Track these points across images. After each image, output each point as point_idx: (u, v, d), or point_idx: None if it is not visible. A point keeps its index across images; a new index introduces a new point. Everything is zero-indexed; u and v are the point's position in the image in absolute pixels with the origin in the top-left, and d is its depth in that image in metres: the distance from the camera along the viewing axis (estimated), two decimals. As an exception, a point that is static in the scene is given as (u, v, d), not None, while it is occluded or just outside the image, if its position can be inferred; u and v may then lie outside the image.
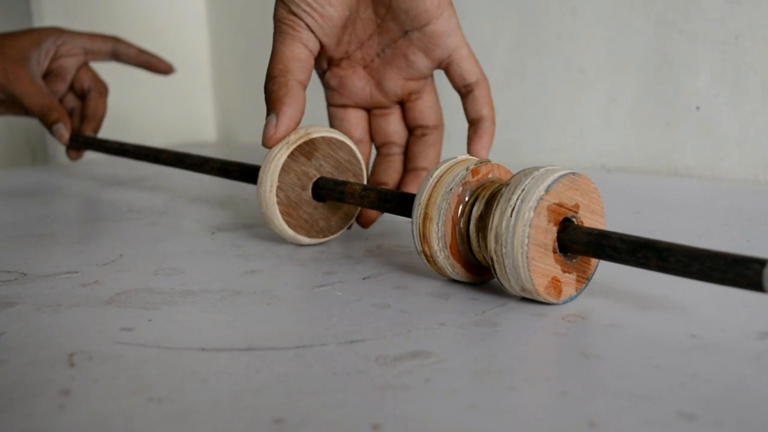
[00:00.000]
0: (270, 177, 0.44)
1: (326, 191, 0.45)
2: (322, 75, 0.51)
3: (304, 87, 0.45)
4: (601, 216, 0.36)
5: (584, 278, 0.36)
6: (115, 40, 0.76)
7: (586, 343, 0.32)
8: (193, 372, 0.29)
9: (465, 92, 0.48)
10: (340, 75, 0.50)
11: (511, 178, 0.35)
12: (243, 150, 1.05)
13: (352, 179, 0.47)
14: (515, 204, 0.33)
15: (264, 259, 0.45)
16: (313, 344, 0.32)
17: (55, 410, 0.27)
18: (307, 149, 0.45)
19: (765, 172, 0.65)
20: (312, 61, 0.46)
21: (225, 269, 0.44)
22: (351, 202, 0.45)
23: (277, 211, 0.45)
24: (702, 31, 0.66)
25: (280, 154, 0.44)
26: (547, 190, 0.33)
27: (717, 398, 0.26)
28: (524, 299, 0.36)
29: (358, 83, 0.50)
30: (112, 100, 0.79)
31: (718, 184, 0.65)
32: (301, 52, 0.45)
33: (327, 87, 0.51)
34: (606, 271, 0.38)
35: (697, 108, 0.68)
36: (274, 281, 0.41)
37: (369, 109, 0.52)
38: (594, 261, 0.36)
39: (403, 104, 0.51)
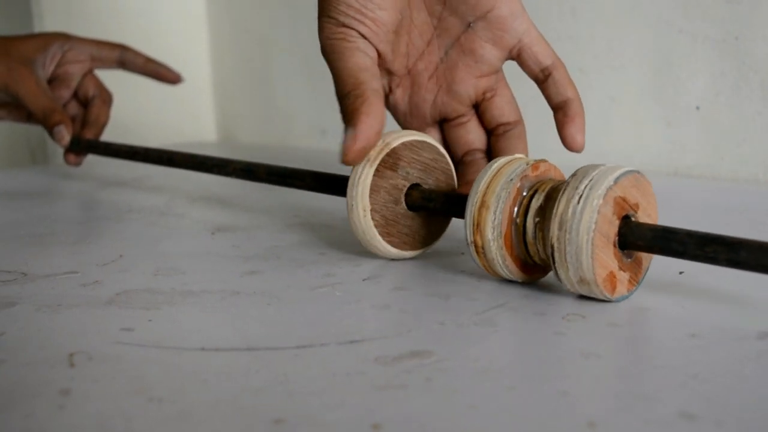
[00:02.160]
0: (361, 201, 0.41)
1: (418, 202, 0.43)
2: (385, 99, 0.47)
3: (381, 97, 0.41)
4: (655, 221, 0.36)
5: (636, 280, 0.36)
6: (122, 48, 0.76)
7: (586, 343, 0.32)
8: (193, 372, 0.29)
9: (543, 77, 0.45)
10: (407, 95, 0.47)
11: (576, 171, 0.35)
12: (243, 150, 1.06)
13: (441, 177, 0.44)
14: (583, 191, 0.33)
15: (264, 259, 0.45)
16: (313, 344, 0.32)
17: (55, 410, 0.27)
18: (390, 162, 0.42)
19: (765, 172, 0.65)
20: (377, 68, 0.43)
21: (225, 270, 0.44)
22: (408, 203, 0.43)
23: (377, 235, 0.42)
24: (702, 31, 0.66)
25: (365, 174, 0.41)
26: (615, 182, 0.34)
27: (717, 398, 0.26)
28: (525, 298, 0.36)
29: (428, 97, 0.47)
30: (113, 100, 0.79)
31: (718, 184, 0.65)
32: (365, 61, 0.42)
33: (395, 112, 0.48)
34: (606, 271, 0.38)
35: (697, 108, 0.68)
36: (274, 282, 0.41)
37: (442, 121, 0.48)
38: (645, 265, 0.36)
39: (477, 107, 0.47)
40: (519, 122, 0.48)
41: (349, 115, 0.41)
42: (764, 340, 0.31)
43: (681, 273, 0.39)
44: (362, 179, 0.41)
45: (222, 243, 0.50)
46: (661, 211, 0.38)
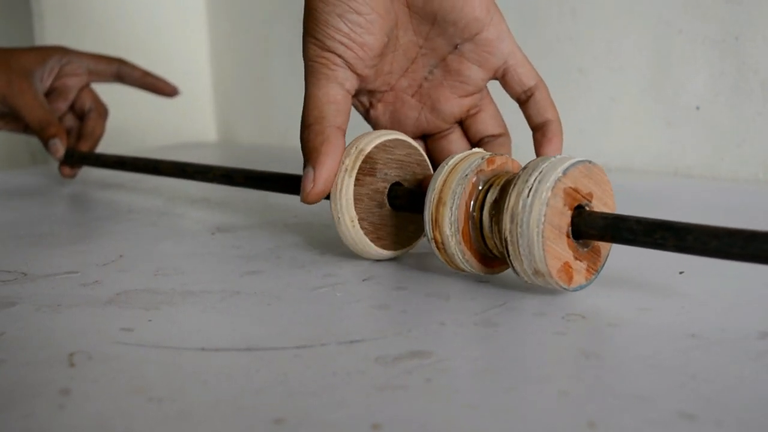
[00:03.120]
0: (347, 212, 0.41)
1: (400, 201, 0.43)
2: (366, 114, 0.48)
3: (343, 132, 0.42)
4: (612, 209, 0.37)
5: (594, 269, 0.36)
6: (120, 62, 0.77)
7: (586, 343, 0.32)
8: (193, 372, 0.29)
9: (525, 98, 0.45)
10: (389, 111, 0.47)
11: (527, 164, 0.35)
12: (243, 150, 1.06)
13: (417, 169, 0.44)
14: (532, 185, 0.34)
15: (264, 259, 0.45)
16: (313, 344, 0.32)
17: (55, 410, 0.27)
18: (367, 168, 0.42)
19: (765, 172, 0.65)
20: (349, 102, 0.43)
21: (225, 270, 0.44)
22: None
23: (369, 242, 0.42)
24: (702, 31, 0.66)
25: (346, 185, 0.41)
26: (564, 173, 0.34)
27: (717, 398, 0.26)
28: (525, 297, 0.36)
29: (411, 114, 0.47)
30: (112, 101, 0.79)
31: (718, 184, 0.65)
32: (336, 94, 0.42)
33: (376, 126, 0.48)
34: (606, 271, 0.38)
35: (697, 108, 0.68)
36: (274, 282, 0.41)
37: (425, 135, 0.48)
38: (604, 253, 0.37)
39: (462, 122, 0.48)
40: (504, 135, 0.48)
41: (309, 152, 0.42)
42: (764, 340, 0.31)
43: (681, 273, 0.39)
44: (344, 191, 0.41)
45: (222, 243, 0.50)
46: (661, 211, 0.38)
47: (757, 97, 0.64)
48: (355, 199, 0.42)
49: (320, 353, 0.31)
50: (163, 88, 0.79)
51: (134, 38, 1.05)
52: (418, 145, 0.45)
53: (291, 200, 0.62)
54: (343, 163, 0.42)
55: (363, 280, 0.41)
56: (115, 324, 0.35)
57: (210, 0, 1.15)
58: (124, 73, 0.77)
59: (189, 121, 1.15)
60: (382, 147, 0.43)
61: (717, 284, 0.38)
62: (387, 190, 0.43)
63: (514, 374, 0.29)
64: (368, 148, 0.42)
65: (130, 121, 1.02)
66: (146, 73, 0.78)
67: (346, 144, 0.43)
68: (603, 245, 0.37)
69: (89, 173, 0.82)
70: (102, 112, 0.76)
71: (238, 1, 1.11)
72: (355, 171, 0.42)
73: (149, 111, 1.05)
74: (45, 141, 0.70)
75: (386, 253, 0.43)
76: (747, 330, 0.32)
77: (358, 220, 0.42)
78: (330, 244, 0.48)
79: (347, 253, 0.46)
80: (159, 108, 1.05)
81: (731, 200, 0.59)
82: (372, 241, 0.42)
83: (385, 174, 0.43)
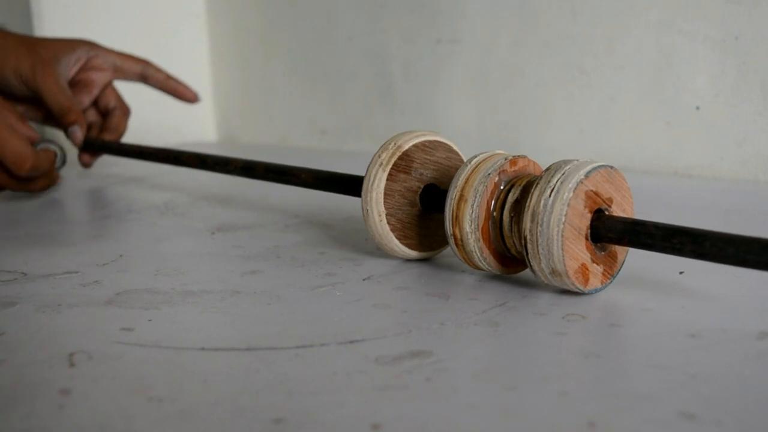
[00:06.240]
0: (376, 206, 0.41)
1: (431, 202, 0.43)
2: None
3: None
4: (630, 215, 0.37)
5: (610, 274, 0.36)
6: (145, 63, 0.78)
7: (586, 343, 0.32)
8: (193, 372, 0.29)
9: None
10: None
11: (549, 166, 0.36)
12: (243, 150, 1.05)
13: (454, 174, 0.43)
14: (555, 185, 0.34)
15: (264, 259, 0.45)
16: (313, 344, 0.32)
17: (55, 410, 0.27)
18: (403, 165, 0.42)
19: (765, 172, 0.65)
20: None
21: (225, 269, 0.44)
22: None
23: (394, 239, 0.42)
24: (702, 31, 0.66)
25: (379, 179, 0.41)
26: (586, 176, 0.34)
27: (717, 398, 0.26)
28: (526, 297, 0.36)
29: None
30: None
31: (718, 184, 0.65)
32: None
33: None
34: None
35: (697, 108, 0.68)
36: (274, 282, 0.41)
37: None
38: (620, 259, 0.37)
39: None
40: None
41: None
42: (764, 340, 0.31)
43: (681, 273, 0.39)
44: (376, 184, 0.41)
45: (222, 243, 0.50)
46: (661, 212, 0.38)
47: (757, 97, 0.64)
48: (387, 195, 0.42)
49: (320, 353, 0.31)
50: (184, 93, 0.80)
51: (135, 39, 1.05)
52: (461, 153, 0.45)
53: (291, 200, 0.62)
54: (378, 157, 0.42)
55: (363, 280, 0.41)
56: (115, 324, 0.35)
57: (210, 0, 1.15)
58: (149, 74, 0.78)
59: (189, 121, 1.15)
60: (421, 146, 0.43)
61: (717, 284, 0.38)
62: (420, 190, 0.43)
63: (514, 374, 0.29)
64: (406, 146, 0.42)
65: (131, 121, 1.02)
66: (169, 77, 0.79)
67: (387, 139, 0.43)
68: (620, 251, 0.37)
69: (90, 174, 0.82)
70: (126, 111, 0.77)
71: (238, 1, 1.11)
72: (390, 166, 0.41)
73: (150, 111, 1.05)
74: (65, 127, 0.71)
75: (412, 253, 0.43)
76: (747, 330, 0.32)
77: (386, 215, 0.42)
78: (330, 244, 0.48)
79: (348, 252, 0.46)
80: (160, 108, 1.05)
81: (731, 200, 0.59)
82: (398, 238, 0.42)
83: (421, 174, 0.43)
